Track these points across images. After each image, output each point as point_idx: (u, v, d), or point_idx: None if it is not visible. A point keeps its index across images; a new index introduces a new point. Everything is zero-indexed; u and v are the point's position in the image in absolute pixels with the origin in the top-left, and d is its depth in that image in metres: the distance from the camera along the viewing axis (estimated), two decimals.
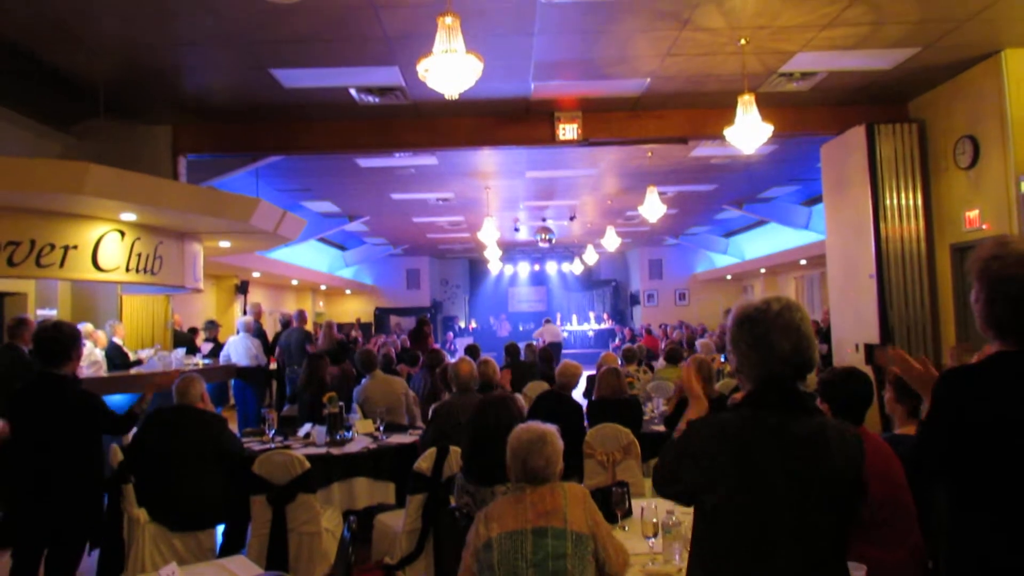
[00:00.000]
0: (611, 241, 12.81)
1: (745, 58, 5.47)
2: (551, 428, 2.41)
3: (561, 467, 2.35)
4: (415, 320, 10.39)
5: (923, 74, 6.12)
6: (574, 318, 21.43)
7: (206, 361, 7.72)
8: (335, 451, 4.54)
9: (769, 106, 6.38)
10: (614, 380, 5.03)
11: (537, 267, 21.23)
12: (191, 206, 5.86)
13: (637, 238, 17.49)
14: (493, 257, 14.70)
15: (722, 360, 7.62)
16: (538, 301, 22.95)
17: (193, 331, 9.78)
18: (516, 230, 14.26)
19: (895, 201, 6.57)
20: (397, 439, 4.90)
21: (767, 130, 5.15)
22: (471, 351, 7.04)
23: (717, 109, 6.59)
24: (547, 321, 16.10)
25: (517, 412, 3.05)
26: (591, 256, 16.05)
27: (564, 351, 18.81)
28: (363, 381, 5.88)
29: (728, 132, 5.20)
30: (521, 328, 20.82)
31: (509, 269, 21.19)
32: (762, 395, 1.59)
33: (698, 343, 8.69)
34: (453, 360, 10.19)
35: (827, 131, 7.05)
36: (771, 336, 1.57)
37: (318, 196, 10.87)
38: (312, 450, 4.53)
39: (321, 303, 19.18)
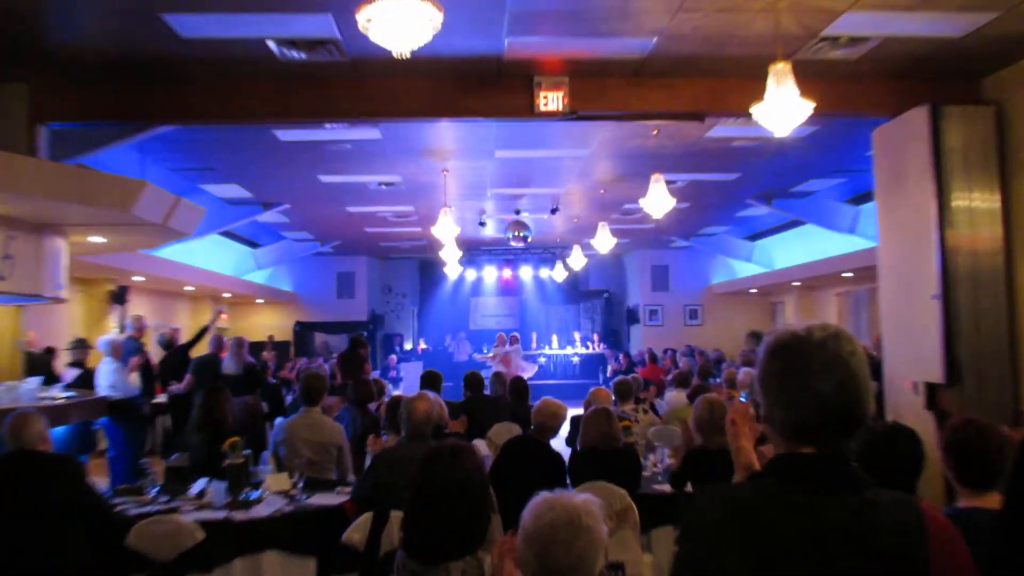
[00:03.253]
0: (604, 241, 12.90)
1: (779, 16, 5.48)
2: (589, 503, 2.21)
3: (602, 567, 2.16)
4: (348, 339, 10.33)
5: (1001, 45, 6.25)
6: (554, 339, 21.59)
7: (68, 393, 7.53)
8: (239, 516, 4.49)
9: (808, 78, 6.42)
10: (605, 424, 5.06)
11: (508, 272, 21.33)
12: (53, 190, 5.72)
13: (637, 238, 17.68)
14: (451, 259, 14.67)
15: (742, 399, 7.69)
16: (508, 316, 23.06)
17: (51, 352, 9.59)
18: (481, 224, 14.27)
19: (966, 202, 6.65)
20: (321, 500, 4.85)
21: (805, 108, 5.10)
22: (430, 381, 7.07)
23: (742, 80, 6.66)
24: (513, 339, 16.18)
25: (474, 468, 3.05)
26: (578, 260, 16.16)
27: (539, 382, 18.94)
28: (280, 419, 5.82)
29: (756, 109, 5.15)
30: (487, 351, 20.92)
31: (472, 274, 21.27)
32: (791, 458, 1.57)
33: (740, 372, 8.79)
34: (395, 392, 9.98)
35: (881, 111, 7.19)
36: (809, 373, 1.56)
37: (223, 178, 10.81)
38: (208, 515, 4.48)
39: (224, 316, 18.97)
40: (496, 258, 20.86)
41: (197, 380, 8.54)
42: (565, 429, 6.10)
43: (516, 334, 16.59)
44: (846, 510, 1.50)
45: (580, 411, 7.28)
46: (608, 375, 17.17)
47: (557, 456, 5.18)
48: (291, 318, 19.70)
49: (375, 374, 12.61)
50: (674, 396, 8.90)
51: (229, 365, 8.72)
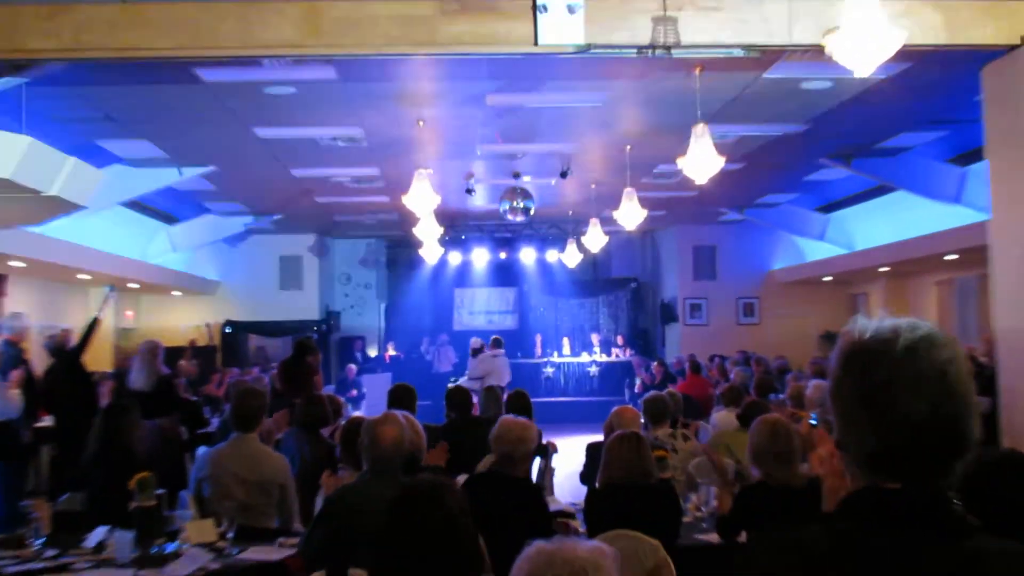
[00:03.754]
0: (630, 215, 12.87)
1: None
2: (599, 556, 2.21)
3: None
4: (292, 344, 10.34)
5: None
6: (565, 344, 21.74)
7: None
8: (148, 575, 4.50)
9: None
10: (633, 454, 5.09)
11: (504, 255, 21.37)
12: None
13: (675, 210, 17.76)
14: (429, 238, 14.68)
15: (812, 421, 7.71)
16: (505, 313, 23.25)
17: None
18: (469, 192, 14.27)
19: None
20: (258, 555, 4.87)
21: (895, 39, 5.09)
22: (400, 398, 7.14)
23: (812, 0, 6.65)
24: (495, 342, 16.21)
25: (458, 512, 3.06)
26: (596, 239, 16.13)
27: (545, 400, 18.99)
28: (203, 449, 5.84)
29: (830, 41, 5.16)
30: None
31: (456, 259, 21.30)
32: (872, 495, 1.60)
33: (810, 386, 8.81)
34: (355, 414, 10.03)
35: (992, 42, 7.17)
36: (895, 387, 1.57)
37: (128, 131, 10.82)
38: (110, 574, 4.48)
39: (129, 312, 18.99)
40: (489, 237, 20.88)
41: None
42: (573, 460, 6.13)
43: (498, 337, 16.54)
44: (943, 563, 1.51)
45: (599, 438, 7.32)
46: (636, 390, 17.18)
47: (533, 494, 5.21)
48: (218, 316, 19.74)
49: (328, 389, 12.61)
50: (723, 418, 8.92)
51: (138, 378, 8.72)
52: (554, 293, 22.73)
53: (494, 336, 16.71)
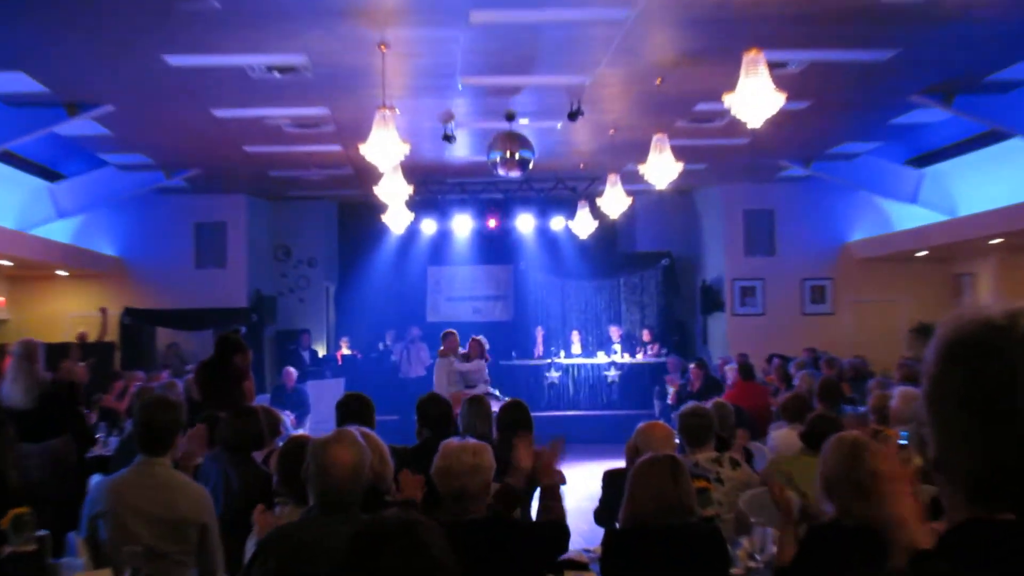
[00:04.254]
0: (661, 169, 12.84)
1: None
2: None
3: None
4: (214, 340, 10.33)
5: None
6: (574, 339, 21.78)
7: None
8: None
9: None
10: (667, 484, 5.10)
11: (494, 223, 21.35)
12: None
13: (720, 163, 17.87)
14: (394, 201, 14.65)
15: (902, 440, 7.76)
16: (495, 299, 23.40)
17: None
18: (448, 139, 14.21)
19: None
20: None
21: None
22: (352, 411, 7.19)
23: None
24: (475, 343, 15.86)
25: (438, 558, 3.07)
26: (616, 201, 16.09)
27: (546, 415, 19.04)
28: (98, 478, 5.84)
29: None
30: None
31: (430, 227, 21.26)
32: (979, 529, 1.59)
33: (897, 395, 8.83)
34: (297, 432, 10.04)
35: None
36: (1011, 389, 1.57)
37: None
38: None
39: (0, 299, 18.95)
40: (474, 200, 20.92)
41: None
42: (586, 493, 6.15)
43: (481, 337, 16.09)
44: None
45: (619, 464, 7.35)
46: (670, 401, 17.20)
47: (527, 535, 5.25)
48: (116, 302, 19.67)
49: (262, 400, 12.59)
50: (784, 437, 8.93)
51: (12, 391, 8.69)
52: (560, 273, 22.71)
53: (475, 337, 15.68)
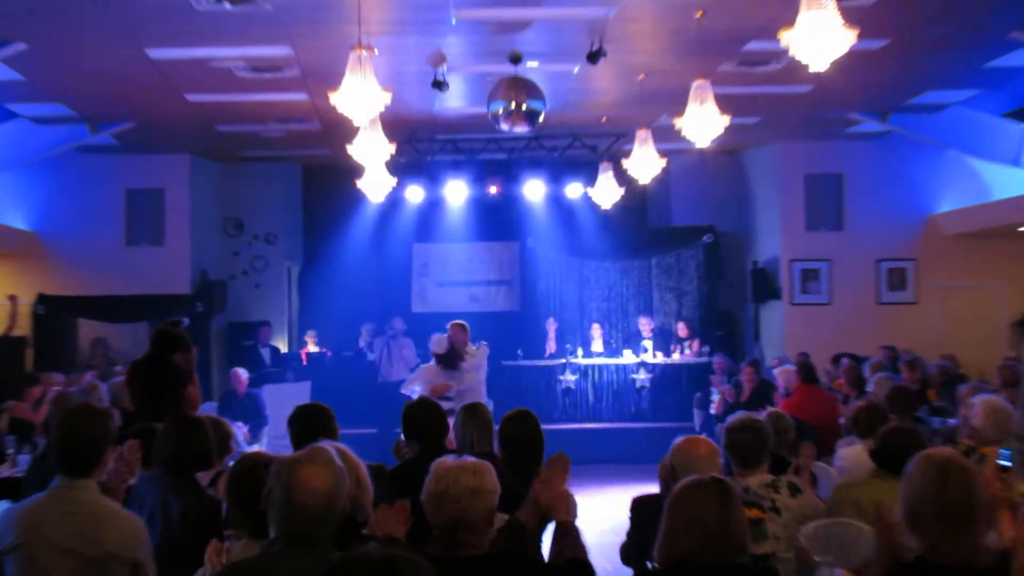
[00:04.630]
0: (702, 124, 12.79)
1: None
2: None
3: None
4: (150, 334, 10.32)
5: None
6: (595, 334, 21.81)
7: None
8: None
9: None
10: (713, 512, 5.06)
11: (495, 190, 21.31)
12: None
13: (775, 116, 17.93)
14: (372, 162, 14.61)
15: (1003, 460, 7.77)
16: (497, 285, 23.48)
17: None
18: (440, 87, 14.19)
19: None
20: None
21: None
22: (308, 425, 7.21)
23: None
24: (457, 329, 15.67)
25: None
26: (645, 164, 16.05)
27: (562, 428, 19.17)
28: (5, 505, 5.83)
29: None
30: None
31: (416, 195, 21.19)
32: None
33: (977, 403, 8.81)
34: (251, 448, 10.05)
35: None
36: None
37: None
38: None
39: None
40: (471, 161, 20.92)
41: None
42: (609, 524, 6.15)
43: (483, 342, 15.98)
44: None
45: (652, 489, 7.38)
46: (714, 411, 17.25)
47: (532, 570, 5.25)
48: (28, 288, 19.77)
49: (209, 408, 12.59)
50: (854, 455, 8.92)
51: None
52: (578, 252, 22.76)
53: (481, 343, 15.63)
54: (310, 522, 4.47)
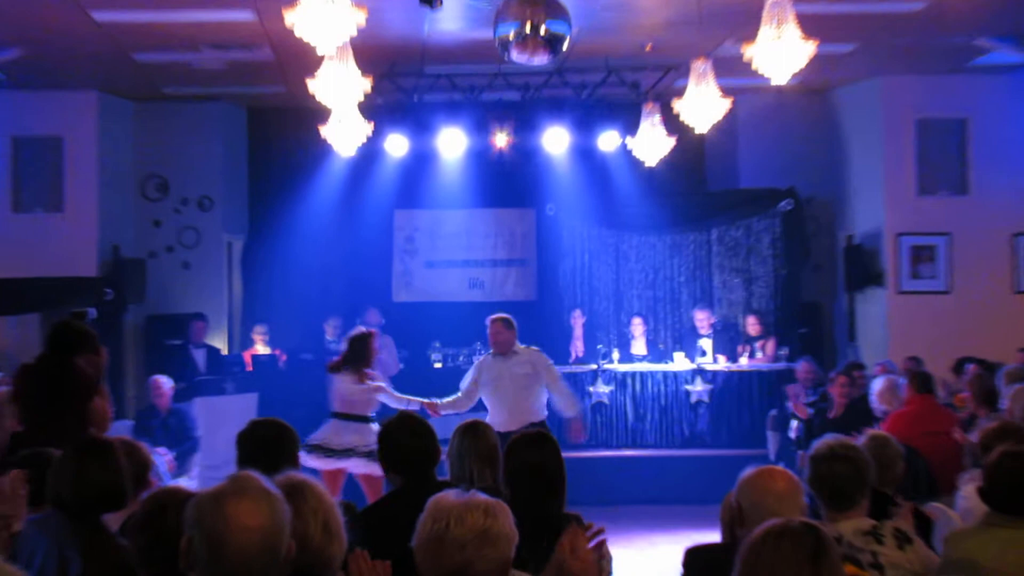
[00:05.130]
0: (780, 52, 12.81)
1: None
2: None
3: None
4: (48, 329, 10.34)
5: None
6: (636, 331, 21.80)
7: None
8: None
9: None
10: (803, 572, 5.04)
11: (505, 139, 21.25)
12: None
13: (875, 41, 18.00)
14: (341, 103, 14.67)
15: None
16: (507, 266, 23.61)
17: None
18: (431, 2, 14.20)
19: None
20: None
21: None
22: (264, 448, 7.22)
23: None
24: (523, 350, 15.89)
25: None
26: (703, 106, 16.04)
27: (594, 455, 19.13)
28: None
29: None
30: (443, 363, 21.30)
31: (399, 146, 21.17)
32: None
33: None
34: (175, 482, 10.09)
35: None
36: None
37: None
38: None
39: None
40: (472, 104, 20.95)
41: None
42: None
43: (518, 343, 16.12)
44: None
45: (712, 538, 7.40)
46: (794, 433, 17.26)
47: None
48: None
49: (122, 428, 12.59)
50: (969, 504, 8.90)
51: None
52: (614, 223, 22.82)
53: (364, 330, 15.98)
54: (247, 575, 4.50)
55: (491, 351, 15.29)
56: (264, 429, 7.52)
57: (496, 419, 14.25)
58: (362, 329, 15.76)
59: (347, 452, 14.34)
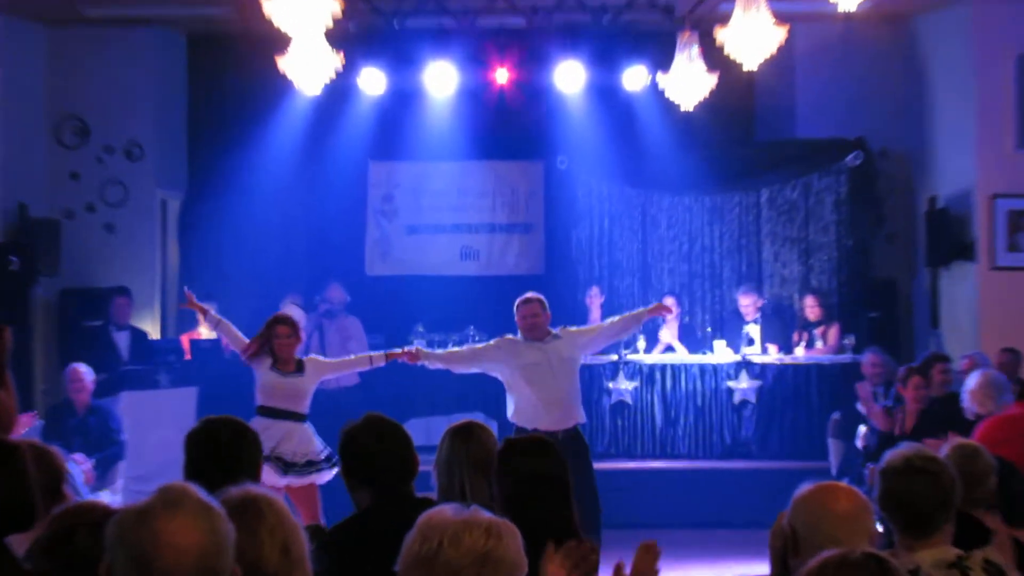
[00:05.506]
0: None
1: None
2: None
3: None
4: None
5: None
6: (668, 314, 21.27)
7: None
8: None
9: None
10: None
11: (506, 78, 21.26)
12: None
13: None
14: (303, 30, 14.69)
15: None
16: (508, 232, 23.64)
17: None
18: None
19: None
20: None
21: None
22: (218, 450, 7.23)
23: None
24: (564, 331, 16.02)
25: None
26: (751, 38, 16.03)
27: (616, 467, 19.20)
28: None
29: None
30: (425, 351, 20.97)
31: (375, 82, 21.15)
32: None
33: None
34: (99, 496, 10.15)
35: None
36: None
37: None
38: None
39: None
40: (465, 31, 20.79)
41: None
42: None
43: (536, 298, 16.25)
44: None
45: (758, 572, 7.32)
46: (861, 442, 17.24)
47: None
48: None
49: (30, 430, 12.63)
50: None
51: None
52: (640, 180, 22.80)
53: (531, 295, 15.88)
54: None
55: (520, 336, 15.35)
56: (221, 429, 7.43)
57: (542, 416, 14.58)
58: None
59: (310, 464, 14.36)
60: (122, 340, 20.00)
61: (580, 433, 14.61)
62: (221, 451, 7.21)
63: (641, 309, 15.69)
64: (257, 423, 14.31)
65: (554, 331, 15.31)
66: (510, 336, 15.66)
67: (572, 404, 15.03)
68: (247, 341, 15.30)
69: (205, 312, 15.91)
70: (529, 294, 15.43)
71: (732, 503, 17.53)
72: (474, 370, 15.50)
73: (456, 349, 15.27)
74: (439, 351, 15.13)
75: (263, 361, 15.20)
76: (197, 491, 4.46)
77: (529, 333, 15.03)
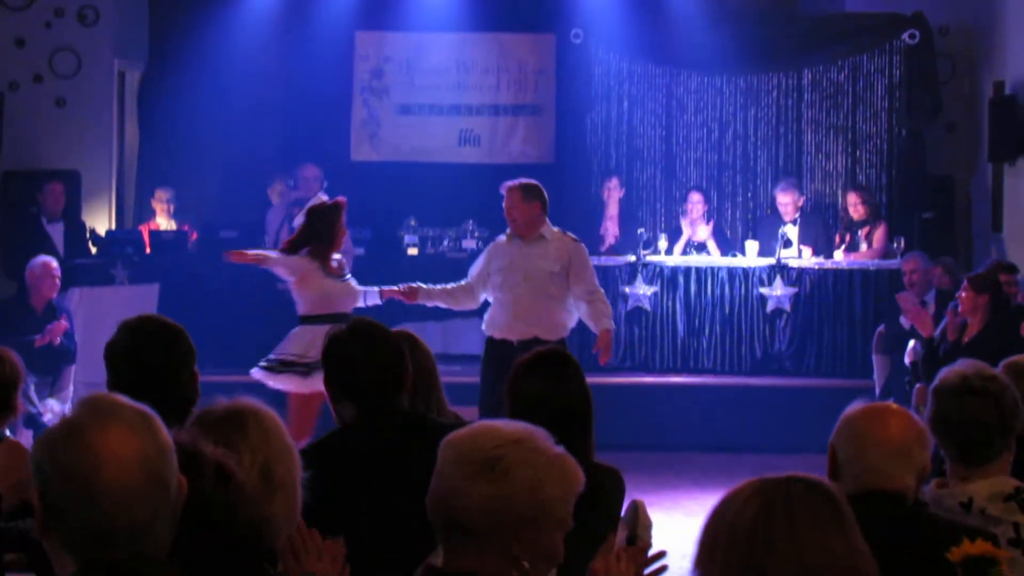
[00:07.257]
0: None
1: None
2: None
3: None
4: None
5: None
6: (694, 211, 21.79)
7: None
8: None
9: None
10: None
11: None
12: None
13: None
14: None
15: None
16: (513, 114, 23.69)
17: None
18: None
19: None
20: None
21: None
22: (141, 356, 7.29)
23: None
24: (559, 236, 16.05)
25: None
26: None
27: (631, 381, 19.24)
28: None
29: None
30: (421, 249, 21.35)
31: None
32: None
33: None
34: (52, 410, 10.33)
35: None
36: None
37: None
38: None
39: None
40: None
41: None
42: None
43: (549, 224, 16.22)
44: None
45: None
46: (909, 358, 17.26)
47: None
48: None
49: None
50: None
51: None
52: (665, 57, 22.77)
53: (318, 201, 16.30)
54: (131, 526, 4.29)
55: (507, 231, 15.35)
56: (140, 330, 7.42)
57: (495, 322, 14.76)
58: (324, 198, 15.70)
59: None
60: (56, 233, 19.92)
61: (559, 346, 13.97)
62: (133, 348, 7.25)
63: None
64: (313, 331, 14.47)
65: (553, 231, 15.30)
66: (500, 237, 15.75)
67: (532, 316, 14.98)
68: (276, 253, 15.09)
69: (262, 259, 15.65)
70: (511, 182, 15.37)
71: (762, 424, 17.64)
72: (481, 298, 15.47)
73: (455, 283, 15.10)
74: (437, 287, 15.03)
75: (308, 264, 15.14)
76: (125, 399, 4.40)
77: (512, 227, 15.12)
